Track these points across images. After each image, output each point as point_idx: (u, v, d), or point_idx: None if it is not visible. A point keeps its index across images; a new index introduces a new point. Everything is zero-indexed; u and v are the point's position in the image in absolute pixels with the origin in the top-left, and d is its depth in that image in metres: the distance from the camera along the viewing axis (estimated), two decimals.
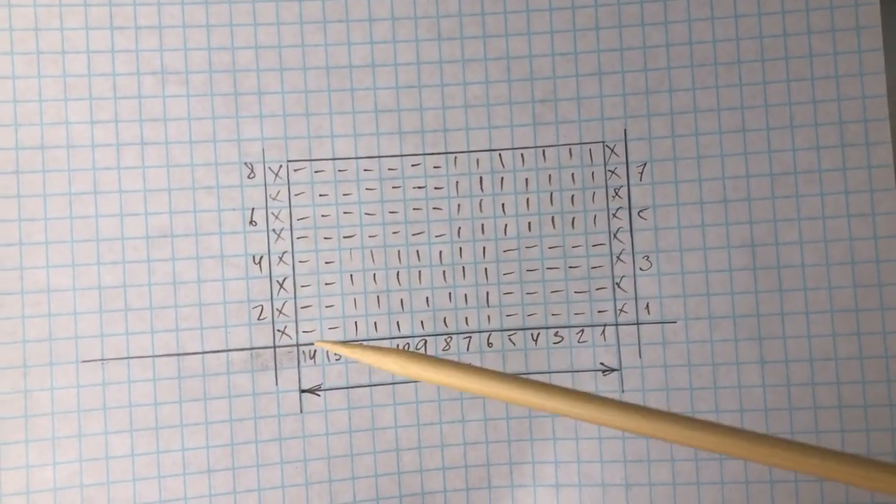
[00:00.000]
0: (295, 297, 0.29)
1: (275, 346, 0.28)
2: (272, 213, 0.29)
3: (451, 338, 0.29)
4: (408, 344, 0.29)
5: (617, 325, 0.29)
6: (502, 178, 0.29)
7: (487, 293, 0.29)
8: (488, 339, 0.29)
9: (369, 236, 0.29)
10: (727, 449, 0.20)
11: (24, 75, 0.28)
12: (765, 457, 0.20)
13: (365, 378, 0.29)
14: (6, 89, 0.28)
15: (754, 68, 0.29)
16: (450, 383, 0.22)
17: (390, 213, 0.29)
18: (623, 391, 0.29)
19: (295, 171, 0.29)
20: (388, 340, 0.29)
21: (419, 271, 0.29)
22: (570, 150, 0.29)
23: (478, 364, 0.29)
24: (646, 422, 0.21)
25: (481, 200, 0.29)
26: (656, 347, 0.29)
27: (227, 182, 0.28)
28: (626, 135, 0.29)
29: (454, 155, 0.29)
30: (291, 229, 0.29)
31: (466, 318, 0.29)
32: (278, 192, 0.29)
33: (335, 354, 0.29)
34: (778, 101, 0.29)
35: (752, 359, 0.28)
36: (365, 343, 0.26)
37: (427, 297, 0.29)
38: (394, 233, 0.29)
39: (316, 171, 0.29)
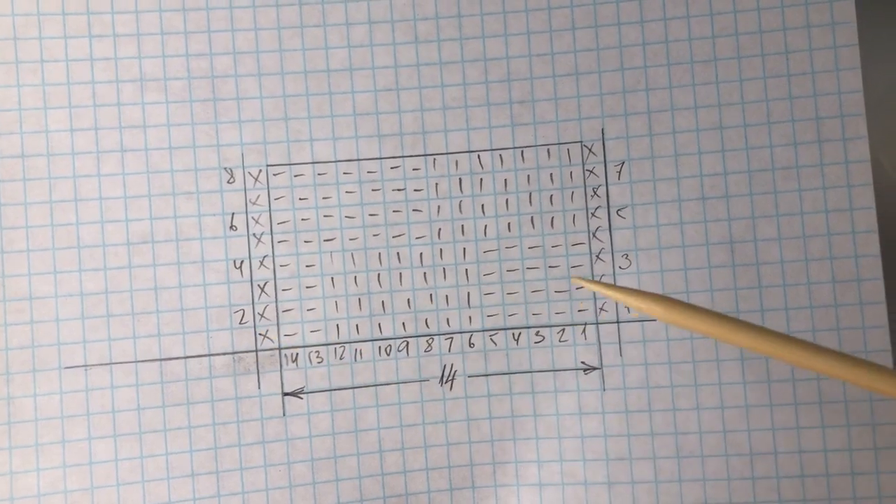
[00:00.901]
0: (276, 301, 0.29)
1: (257, 350, 0.29)
2: (252, 218, 0.29)
3: (433, 339, 0.29)
4: (389, 346, 0.29)
5: (597, 323, 0.29)
6: (481, 180, 0.29)
7: (468, 294, 0.29)
8: (470, 340, 0.29)
9: (350, 239, 0.29)
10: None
11: (3, 84, 0.28)
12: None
13: (347, 381, 0.29)
14: None
15: (730, 66, 0.29)
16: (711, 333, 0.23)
17: (370, 215, 0.29)
18: (604, 389, 0.29)
19: (274, 175, 0.29)
20: (370, 342, 0.29)
21: (400, 273, 0.29)
22: (548, 150, 0.29)
23: (459, 365, 0.29)
24: None
25: (461, 202, 0.29)
26: (637, 345, 0.29)
27: (207, 187, 0.29)
28: (603, 134, 0.29)
29: (433, 157, 0.29)
30: (272, 233, 0.29)
31: (448, 319, 0.29)
32: (258, 196, 0.29)
33: (318, 357, 0.29)
34: (755, 98, 0.29)
35: (733, 356, 0.28)
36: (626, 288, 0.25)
37: (408, 299, 0.29)
38: (374, 235, 0.29)
39: (295, 175, 0.29)
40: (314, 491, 0.29)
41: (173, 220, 0.28)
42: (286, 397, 0.29)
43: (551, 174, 0.29)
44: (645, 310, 0.23)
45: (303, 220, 0.29)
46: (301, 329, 0.29)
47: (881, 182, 0.28)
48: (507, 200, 0.29)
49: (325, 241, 0.29)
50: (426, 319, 0.29)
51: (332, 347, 0.29)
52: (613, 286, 0.24)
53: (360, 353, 0.29)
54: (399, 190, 0.29)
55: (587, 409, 0.29)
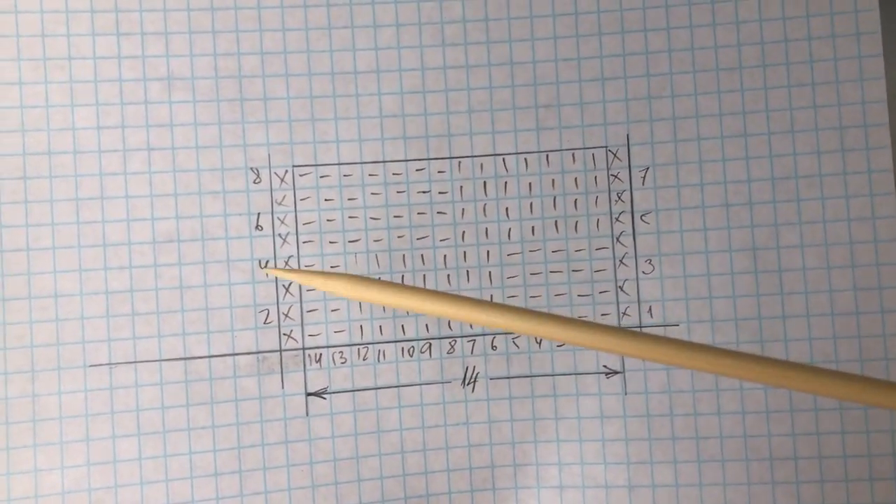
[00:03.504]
0: (301, 301, 0.29)
1: (281, 350, 0.29)
2: (278, 218, 0.29)
3: (456, 341, 0.29)
4: (412, 347, 0.29)
5: (620, 327, 0.29)
6: (506, 183, 0.29)
7: (491, 296, 0.29)
8: (492, 343, 0.29)
9: (374, 240, 0.29)
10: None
11: (31, 81, 0.28)
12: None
13: (370, 381, 0.29)
14: (13, 95, 0.28)
15: (755, 74, 0.29)
16: (393, 303, 0.23)
17: (395, 217, 0.29)
18: (626, 393, 0.29)
19: (300, 176, 0.29)
20: (393, 344, 0.29)
21: (424, 275, 0.29)
22: (573, 154, 0.29)
23: (481, 367, 0.29)
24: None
25: (485, 205, 0.29)
26: None
27: (233, 187, 0.29)
28: (628, 139, 0.29)
29: (458, 160, 0.29)
30: (297, 234, 0.29)
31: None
32: (284, 196, 0.29)
33: (341, 358, 0.29)
34: (779, 106, 0.29)
35: None
36: (314, 270, 0.27)
37: None
38: (398, 237, 0.29)
39: (321, 176, 0.29)
40: (336, 491, 0.29)
41: (199, 219, 0.28)
42: (309, 397, 0.29)
43: (576, 178, 0.29)
44: (327, 288, 0.23)
45: (328, 220, 0.29)
46: (325, 329, 0.29)
47: None
48: (531, 204, 0.29)
49: (349, 241, 0.29)
50: (449, 321, 0.29)
51: (355, 348, 0.29)
52: (298, 270, 0.26)
53: (384, 355, 0.29)
54: (424, 192, 0.29)
55: (608, 412, 0.29)
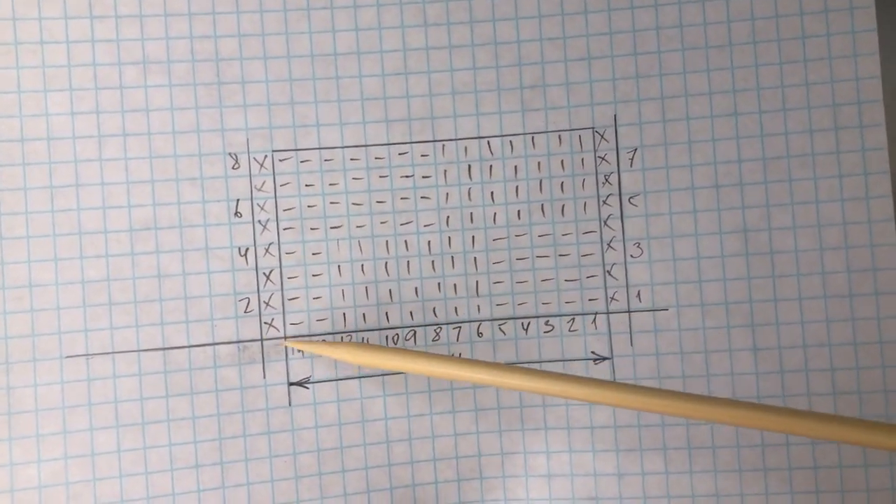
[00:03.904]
0: (282, 289, 0.28)
1: (262, 339, 0.28)
2: (257, 205, 0.28)
3: (441, 328, 0.29)
4: (397, 335, 0.29)
5: (608, 313, 0.29)
6: (491, 166, 0.29)
7: (477, 282, 0.29)
8: (478, 329, 0.29)
9: (357, 226, 0.29)
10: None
11: (2, 66, 0.27)
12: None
13: (354, 370, 0.28)
14: None
15: (746, 51, 0.28)
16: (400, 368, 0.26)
17: (378, 202, 0.29)
18: (615, 380, 0.28)
19: (280, 161, 0.28)
20: (377, 332, 0.28)
21: (408, 261, 0.29)
22: (559, 136, 0.29)
23: (468, 354, 0.29)
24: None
25: (470, 189, 0.29)
26: (648, 335, 0.28)
27: (211, 173, 0.28)
28: (615, 120, 0.29)
29: (442, 143, 0.29)
30: (277, 220, 0.28)
31: (456, 308, 0.29)
32: (263, 182, 0.28)
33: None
34: (770, 84, 0.28)
35: (745, 346, 0.28)
36: (325, 339, 0.28)
37: (416, 288, 0.29)
38: (381, 223, 0.29)
39: (302, 161, 0.28)
40: (320, 482, 0.28)
41: (177, 206, 0.28)
42: (292, 387, 0.28)
43: (562, 161, 0.29)
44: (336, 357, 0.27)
45: (309, 206, 0.28)
46: (307, 318, 0.28)
47: None
48: (517, 188, 0.29)
49: (331, 228, 0.28)
50: (434, 308, 0.29)
51: (338, 336, 0.28)
52: (320, 343, 0.28)
53: (367, 342, 0.28)
54: (407, 177, 0.29)
55: None
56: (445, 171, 0.29)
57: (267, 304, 0.28)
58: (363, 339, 0.28)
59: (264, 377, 0.28)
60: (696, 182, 0.28)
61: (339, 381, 0.28)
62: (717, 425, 0.28)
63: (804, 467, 0.28)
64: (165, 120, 0.28)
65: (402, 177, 0.29)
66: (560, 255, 0.29)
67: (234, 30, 0.28)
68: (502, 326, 0.29)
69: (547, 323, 0.29)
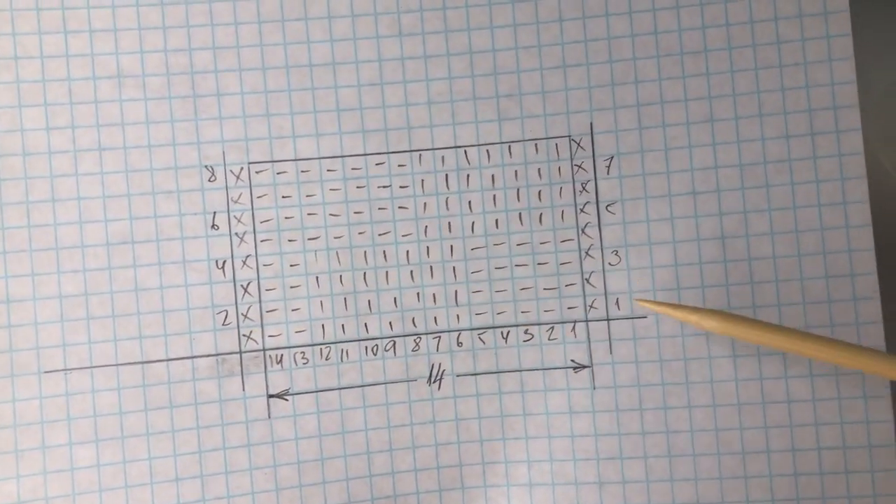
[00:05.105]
0: (260, 301, 0.28)
1: (241, 352, 0.28)
2: (234, 217, 0.28)
3: (420, 338, 0.29)
4: (376, 346, 0.29)
5: (587, 321, 0.29)
6: (468, 175, 0.29)
7: (456, 292, 0.29)
8: (458, 339, 0.29)
9: (334, 237, 0.29)
10: None
11: None
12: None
13: (334, 381, 0.28)
14: None
15: (721, 57, 0.28)
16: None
17: (355, 213, 0.29)
18: (595, 388, 0.28)
19: (256, 173, 0.28)
20: (356, 342, 0.28)
21: (386, 272, 0.29)
22: (535, 145, 0.29)
23: (448, 364, 0.29)
24: None
25: (447, 198, 0.29)
26: (627, 343, 0.28)
27: (187, 186, 0.28)
28: (592, 128, 0.28)
29: (419, 153, 0.29)
30: (254, 232, 0.28)
31: (435, 318, 0.29)
32: (240, 194, 0.28)
33: (303, 358, 0.28)
34: (746, 90, 0.28)
35: (724, 353, 0.28)
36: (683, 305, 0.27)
37: (395, 298, 0.29)
38: (359, 233, 0.29)
39: (278, 173, 0.28)
40: (301, 494, 0.28)
41: (153, 219, 0.28)
42: (271, 399, 0.28)
43: (539, 169, 0.29)
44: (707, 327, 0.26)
45: (286, 218, 0.28)
46: (286, 330, 0.28)
47: (882, 182, 0.28)
48: (494, 196, 0.29)
49: (309, 239, 0.28)
50: (413, 318, 0.29)
51: (317, 348, 0.28)
52: (676, 305, 0.27)
53: (347, 354, 0.28)
54: (384, 187, 0.29)
55: (577, 407, 0.28)
56: (423, 180, 0.29)
57: (245, 316, 0.28)
58: (342, 350, 0.28)
59: (243, 389, 0.28)
60: (674, 189, 0.28)
61: (319, 393, 0.28)
62: (696, 431, 0.28)
63: (785, 475, 0.28)
64: (141, 134, 0.28)
65: (379, 187, 0.29)
66: (539, 264, 0.29)
67: (209, 42, 0.28)
68: (482, 336, 0.29)
69: (526, 332, 0.29)
